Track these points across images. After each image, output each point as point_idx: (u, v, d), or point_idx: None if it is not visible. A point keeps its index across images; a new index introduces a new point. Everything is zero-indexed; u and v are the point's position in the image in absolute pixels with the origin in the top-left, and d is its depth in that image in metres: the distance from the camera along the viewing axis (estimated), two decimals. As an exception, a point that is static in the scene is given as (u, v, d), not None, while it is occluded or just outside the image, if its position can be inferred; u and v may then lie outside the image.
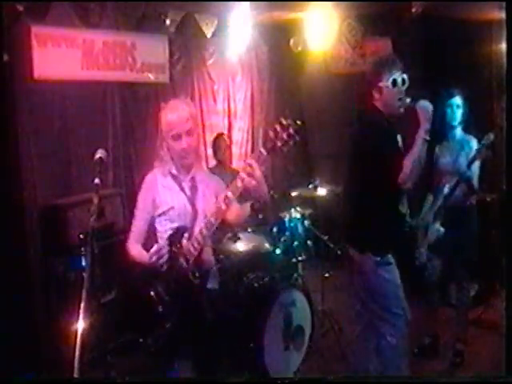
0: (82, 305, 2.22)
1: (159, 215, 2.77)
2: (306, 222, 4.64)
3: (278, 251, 4.34)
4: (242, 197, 2.51)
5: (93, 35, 4.43)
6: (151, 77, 4.88)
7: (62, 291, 3.92)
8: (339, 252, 4.58)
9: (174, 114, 2.65)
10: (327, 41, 5.74)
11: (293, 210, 4.56)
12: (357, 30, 5.76)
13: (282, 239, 4.43)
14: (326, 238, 4.84)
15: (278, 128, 2.24)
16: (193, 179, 2.78)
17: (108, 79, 4.61)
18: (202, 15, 5.38)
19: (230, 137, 5.86)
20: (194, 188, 2.76)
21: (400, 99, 3.08)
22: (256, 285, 3.94)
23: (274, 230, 4.46)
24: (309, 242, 4.66)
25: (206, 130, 5.57)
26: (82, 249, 3.73)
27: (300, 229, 4.54)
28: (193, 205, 2.73)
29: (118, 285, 4.31)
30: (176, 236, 2.68)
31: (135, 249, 2.77)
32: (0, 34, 3.67)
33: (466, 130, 4.02)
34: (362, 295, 3.24)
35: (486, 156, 3.86)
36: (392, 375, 3.13)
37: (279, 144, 2.25)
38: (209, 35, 5.54)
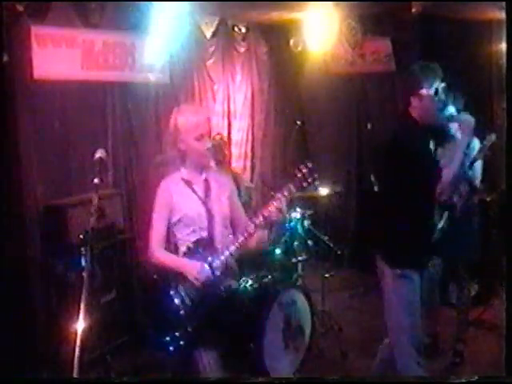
0: (82, 305, 2.22)
1: (175, 223, 2.82)
2: (306, 222, 4.64)
3: (277, 251, 4.33)
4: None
5: (93, 35, 4.42)
6: (151, 77, 4.88)
7: (62, 291, 3.92)
8: (339, 252, 4.58)
9: (197, 115, 2.79)
10: (327, 41, 5.74)
11: (293, 210, 4.56)
12: (357, 30, 5.75)
13: (282, 239, 4.42)
14: (326, 238, 4.84)
15: (305, 170, 2.65)
16: (206, 181, 2.85)
17: (108, 79, 4.60)
18: (202, 15, 5.38)
19: (229, 137, 5.86)
20: (207, 189, 2.84)
21: (440, 110, 2.94)
22: (256, 285, 3.94)
23: (274, 229, 4.46)
24: (309, 242, 4.66)
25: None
26: (82, 249, 3.73)
27: (300, 229, 4.54)
28: (207, 207, 2.80)
29: (118, 285, 4.32)
30: (198, 246, 2.77)
31: (162, 253, 2.82)
32: (0, 34, 3.67)
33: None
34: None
35: (487, 156, 3.87)
36: (392, 375, 3.12)
37: (305, 185, 2.66)
38: (208, 35, 5.55)
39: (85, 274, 2.34)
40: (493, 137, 3.77)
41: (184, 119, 2.77)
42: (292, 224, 4.50)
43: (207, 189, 2.84)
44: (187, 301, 2.72)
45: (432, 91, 2.88)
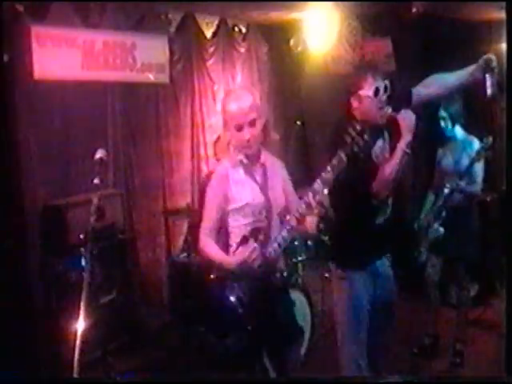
0: (82, 305, 2.22)
1: (231, 210, 2.66)
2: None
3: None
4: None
5: (93, 35, 4.42)
6: (151, 77, 4.88)
7: (62, 291, 3.92)
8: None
9: (235, 103, 2.58)
10: (327, 41, 5.74)
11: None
12: (357, 31, 5.76)
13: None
14: (326, 238, 4.84)
15: (354, 133, 2.40)
16: (263, 165, 2.71)
17: (108, 79, 4.61)
18: (202, 15, 5.39)
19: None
20: (264, 176, 2.70)
21: (380, 109, 2.81)
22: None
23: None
24: (309, 242, 4.65)
25: (205, 130, 5.57)
26: (82, 249, 3.73)
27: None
28: (266, 195, 2.67)
29: (118, 285, 4.32)
30: (253, 234, 2.61)
31: (211, 246, 2.66)
32: (0, 34, 3.67)
33: (468, 130, 4.03)
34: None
35: (487, 156, 3.87)
36: (392, 375, 3.11)
37: (356, 149, 2.41)
38: (209, 35, 5.55)
39: (85, 274, 2.34)
40: (490, 139, 3.77)
41: (226, 105, 2.62)
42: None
43: (265, 175, 2.69)
44: (244, 299, 2.57)
45: (371, 92, 2.80)
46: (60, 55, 4.17)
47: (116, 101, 4.72)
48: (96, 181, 2.49)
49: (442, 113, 3.97)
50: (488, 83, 2.70)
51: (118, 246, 4.38)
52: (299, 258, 4.47)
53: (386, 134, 2.94)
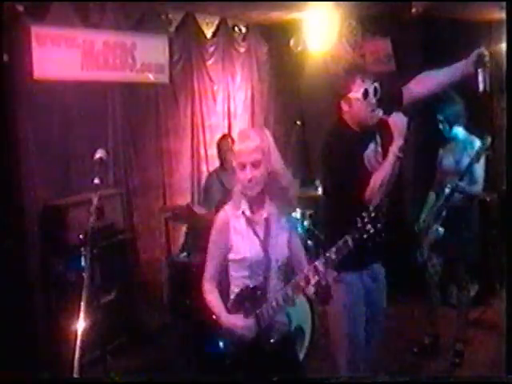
0: (82, 305, 2.22)
1: (231, 261, 2.63)
2: (306, 222, 4.64)
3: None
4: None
5: (93, 35, 4.42)
6: (151, 77, 4.89)
7: (62, 291, 3.92)
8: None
9: (242, 142, 2.56)
10: (327, 41, 5.74)
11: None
12: (357, 30, 5.76)
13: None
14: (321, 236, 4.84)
15: (367, 219, 2.33)
16: (266, 220, 2.61)
17: (108, 79, 4.61)
18: (202, 15, 5.39)
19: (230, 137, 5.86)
20: (267, 230, 2.60)
21: (371, 111, 2.77)
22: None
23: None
24: (309, 242, 4.65)
25: (205, 131, 5.57)
26: (82, 249, 3.73)
27: (300, 229, 4.54)
28: (265, 250, 2.58)
29: (118, 285, 4.32)
30: (250, 293, 2.58)
31: (211, 293, 2.64)
32: (0, 34, 3.67)
33: (468, 130, 4.03)
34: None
35: (488, 156, 3.87)
36: (392, 375, 3.12)
37: (365, 236, 2.33)
38: (209, 35, 5.55)
39: (85, 274, 2.34)
40: (489, 139, 3.77)
41: (236, 143, 2.63)
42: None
43: (267, 229, 2.59)
44: (232, 350, 2.56)
45: (360, 94, 2.75)
46: (60, 55, 4.17)
47: (116, 101, 4.72)
48: (96, 181, 2.49)
49: (439, 116, 3.98)
50: (480, 78, 2.67)
51: (117, 245, 4.38)
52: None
53: (378, 137, 2.91)
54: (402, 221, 4.91)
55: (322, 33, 5.67)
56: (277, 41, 6.26)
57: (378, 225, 2.30)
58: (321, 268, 2.40)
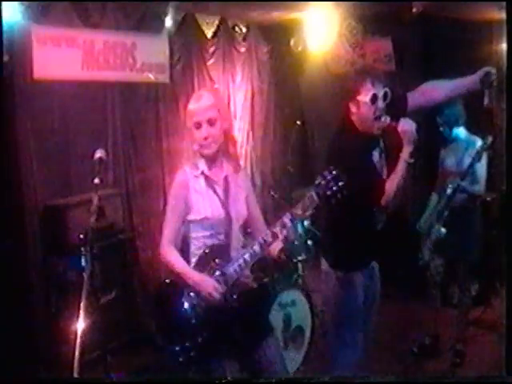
0: (82, 305, 2.23)
1: (191, 221, 2.64)
2: (306, 222, 4.63)
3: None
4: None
5: (93, 35, 4.42)
6: (151, 77, 4.88)
7: (62, 291, 3.92)
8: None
9: (195, 102, 2.60)
10: (327, 41, 5.74)
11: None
12: (357, 30, 5.76)
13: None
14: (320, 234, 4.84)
15: (329, 177, 2.36)
16: (225, 179, 2.66)
17: (108, 79, 4.60)
18: (202, 15, 5.39)
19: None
20: (226, 190, 2.65)
21: (378, 118, 2.74)
22: (256, 285, 3.93)
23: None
24: (309, 242, 4.65)
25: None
26: (82, 249, 3.72)
27: (300, 229, 4.53)
28: (226, 210, 2.62)
29: (118, 285, 4.32)
30: (213, 252, 2.60)
31: (172, 254, 2.64)
32: (0, 34, 3.67)
33: (470, 130, 4.03)
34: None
35: (489, 155, 3.87)
36: (392, 375, 3.12)
37: (329, 193, 2.37)
38: (209, 35, 5.55)
39: (85, 274, 2.34)
40: (489, 139, 3.76)
41: (189, 104, 2.64)
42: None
43: (227, 189, 2.65)
44: (199, 310, 2.57)
45: (368, 98, 2.72)
46: (60, 55, 4.17)
47: (116, 101, 4.71)
48: (96, 181, 2.49)
49: (439, 119, 3.98)
50: (486, 95, 2.69)
51: (117, 245, 4.38)
52: (299, 258, 4.47)
53: (382, 144, 2.92)
54: (403, 221, 4.91)
55: (322, 33, 5.67)
56: (277, 41, 6.26)
57: (340, 183, 2.35)
58: (288, 223, 2.44)
